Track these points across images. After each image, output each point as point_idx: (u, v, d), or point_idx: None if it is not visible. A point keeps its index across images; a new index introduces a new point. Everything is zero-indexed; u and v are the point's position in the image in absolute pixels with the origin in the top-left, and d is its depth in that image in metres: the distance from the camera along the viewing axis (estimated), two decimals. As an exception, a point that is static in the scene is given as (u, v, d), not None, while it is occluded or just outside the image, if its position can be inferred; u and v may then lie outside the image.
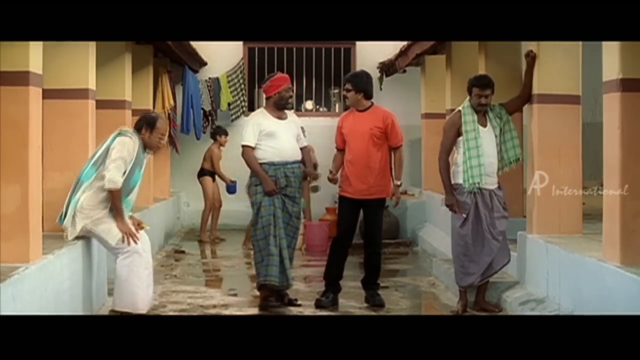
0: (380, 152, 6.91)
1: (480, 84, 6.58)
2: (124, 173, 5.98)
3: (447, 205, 6.68)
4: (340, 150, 7.09)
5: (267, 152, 6.85)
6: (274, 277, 6.71)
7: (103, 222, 6.01)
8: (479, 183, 6.50)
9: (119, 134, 6.10)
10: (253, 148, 6.86)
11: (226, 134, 11.42)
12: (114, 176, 5.89)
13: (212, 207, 11.43)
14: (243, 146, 6.91)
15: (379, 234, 7.07)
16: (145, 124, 6.19)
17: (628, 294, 4.87)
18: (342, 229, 7.05)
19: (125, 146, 5.99)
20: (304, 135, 7.28)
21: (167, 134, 6.22)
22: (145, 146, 6.20)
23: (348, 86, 7.00)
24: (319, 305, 6.92)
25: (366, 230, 7.16)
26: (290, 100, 7.00)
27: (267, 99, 7.16)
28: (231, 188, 11.24)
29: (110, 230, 6.00)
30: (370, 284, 7.09)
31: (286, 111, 7.08)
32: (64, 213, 6.02)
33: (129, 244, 5.97)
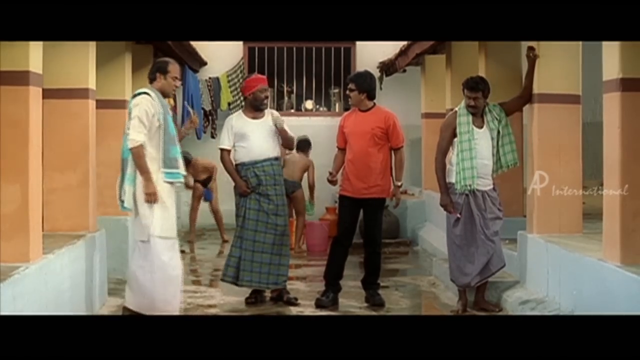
0: (381, 152, 6.91)
1: (469, 87, 6.56)
2: (162, 128, 5.95)
3: (441, 206, 6.69)
4: (342, 149, 7.10)
5: (239, 153, 7.05)
6: (228, 277, 7.02)
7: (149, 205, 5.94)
8: (470, 185, 6.49)
9: (132, 98, 6.08)
10: (229, 151, 7.07)
11: None
12: (132, 136, 5.88)
13: (198, 207, 11.32)
14: (219, 149, 7.13)
15: (379, 233, 7.07)
16: (157, 70, 6.17)
17: (628, 294, 4.87)
18: (342, 229, 7.05)
19: (137, 106, 5.94)
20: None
21: (180, 75, 6.25)
22: (163, 93, 6.15)
23: (351, 86, 7.00)
24: (319, 304, 6.92)
25: (366, 230, 7.16)
26: (265, 101, 7.05)
27: (244, 99, 7.33)
28: (207, 195, 11.17)
29: (152, 219, 5.92)
30: (370, 284, 7.09)
31: (267, 109, 7.14)
32: (119, 196, 5.95)
33: (152, 202, 5.88)
